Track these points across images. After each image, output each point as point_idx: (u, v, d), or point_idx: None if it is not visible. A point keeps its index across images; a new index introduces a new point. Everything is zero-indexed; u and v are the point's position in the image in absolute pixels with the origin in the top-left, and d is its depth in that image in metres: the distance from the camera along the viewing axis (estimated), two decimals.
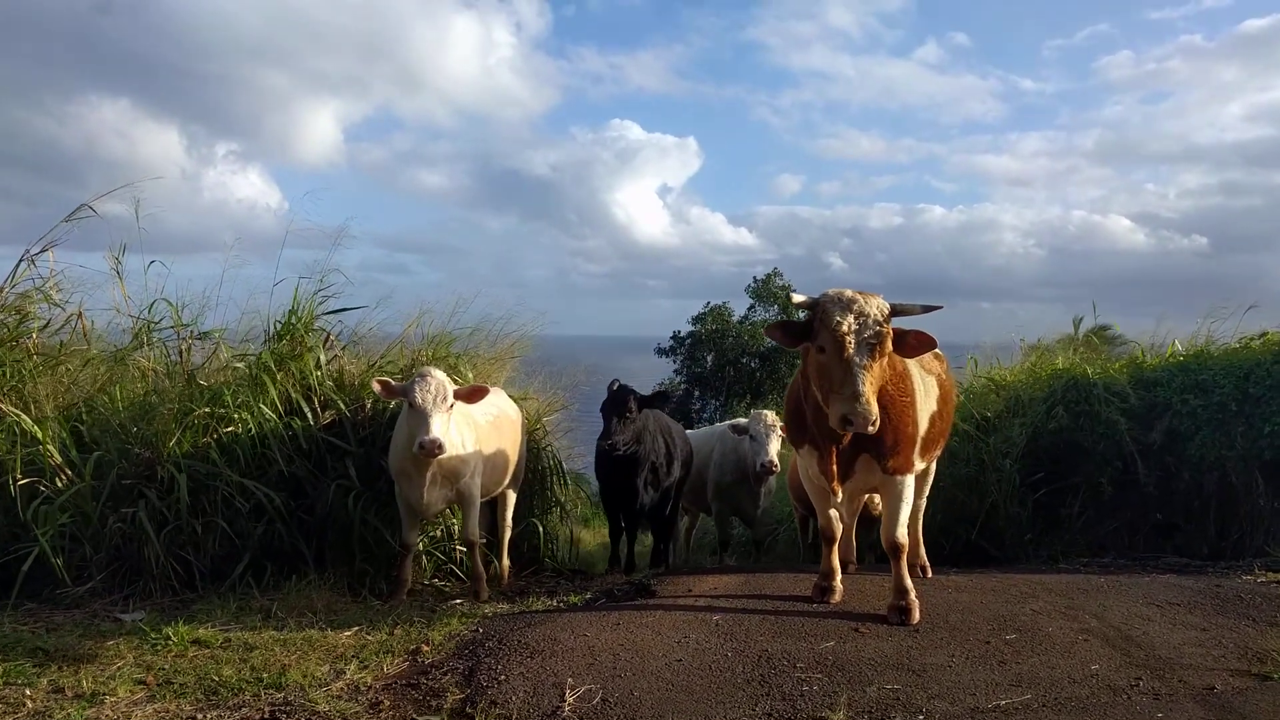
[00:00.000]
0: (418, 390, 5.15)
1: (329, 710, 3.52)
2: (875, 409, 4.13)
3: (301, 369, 6.12)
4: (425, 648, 4.31)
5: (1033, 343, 9.95)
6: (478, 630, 4.57)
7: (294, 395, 6.04)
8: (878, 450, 4.74)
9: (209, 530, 5.61)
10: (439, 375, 5.23)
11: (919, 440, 5.09)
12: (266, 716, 3.45)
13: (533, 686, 3.77)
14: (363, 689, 3.76)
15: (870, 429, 4.12)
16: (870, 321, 4.21)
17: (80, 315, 6.74)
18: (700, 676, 3.96)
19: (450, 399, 5.17)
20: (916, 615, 4.89)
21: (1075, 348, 10.03)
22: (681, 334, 36.08)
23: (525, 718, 3.52)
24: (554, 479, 7.63)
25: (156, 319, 6.72)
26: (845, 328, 4.17)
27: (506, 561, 6.75)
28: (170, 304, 6.71)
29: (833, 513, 5.22)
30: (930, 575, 6.18)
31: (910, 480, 4.92)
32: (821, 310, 4.29)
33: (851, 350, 4.16)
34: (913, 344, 4.47)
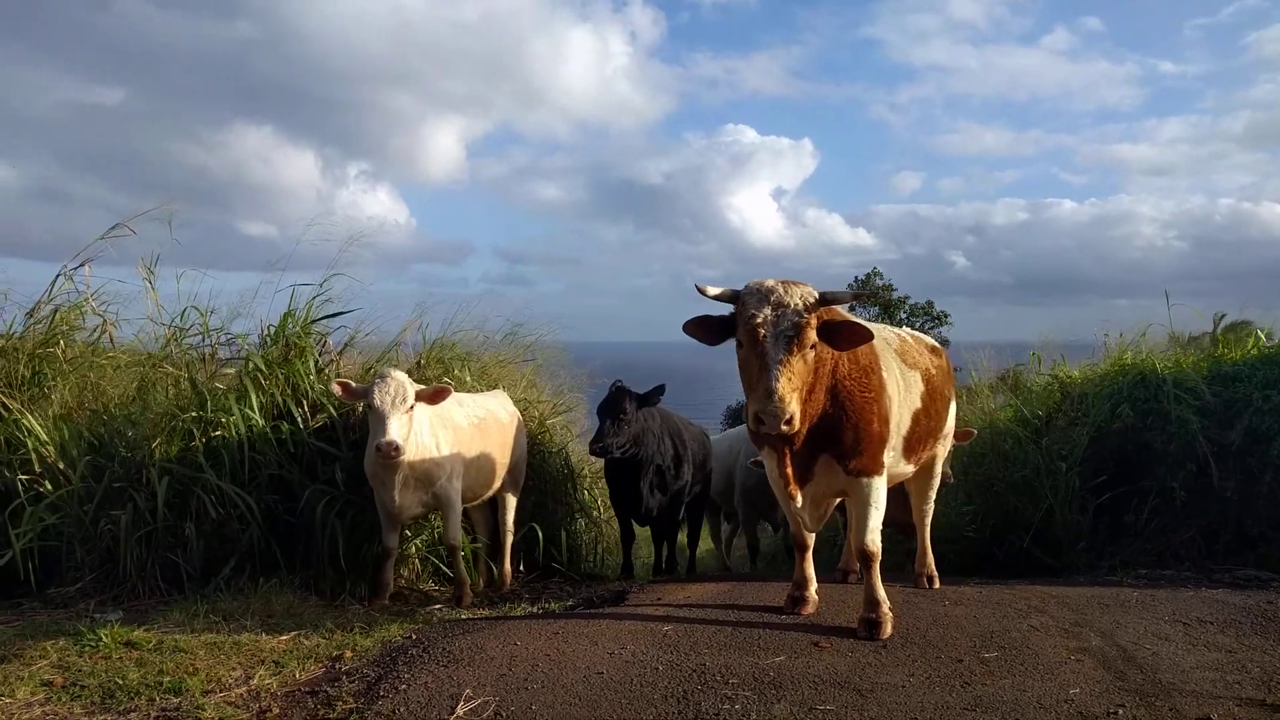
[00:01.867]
0: (376, 392, 5.08)
1: (215, 717, 3.45)
2: (792, 407, 3.78)
3: (291, 373, 6.16)
4: (348, 654, 4.20)
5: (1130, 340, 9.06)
6: (410, 637, 4.44)
7: (283, 399, 6.07)
8: (837, 450, 4.39)
9: (199, 533, 5.69)
10: (399, 376, 5.15)
11: (891, 439, 4.70)
12: None
13: (429, 696, 3.60)
14: (262, 696, 3.67)
15: (785, 428, 3.79)
16: (789, 312, 3.87)
17: (106, 324, 7.01)
18: (614, 691, 3.71)
19: (410, 400, 5.07)
20: (888, 629, 4.50)
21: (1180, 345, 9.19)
22: None
23: None
24: (568, 483, 7.48)
25: (187, 325, 6.89)
26: (759, 319, 3.86)
27: (507, 566, 6.63)
28: (200, 311, 6.87)
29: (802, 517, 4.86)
30: (937, 586, 5.72)
31: (879, 483, 4.53)
32: (740, 302, 3.99)
33: (767, 344, 3.83)
34: (845, 336, 4.10)
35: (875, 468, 4.49)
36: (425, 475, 5.44)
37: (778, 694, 3.75)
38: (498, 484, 6.28)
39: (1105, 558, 7.70)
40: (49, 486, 5.55)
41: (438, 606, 5.64)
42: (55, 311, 6.74)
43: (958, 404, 10.80)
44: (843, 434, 4.34)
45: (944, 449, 5.83)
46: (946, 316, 34.86)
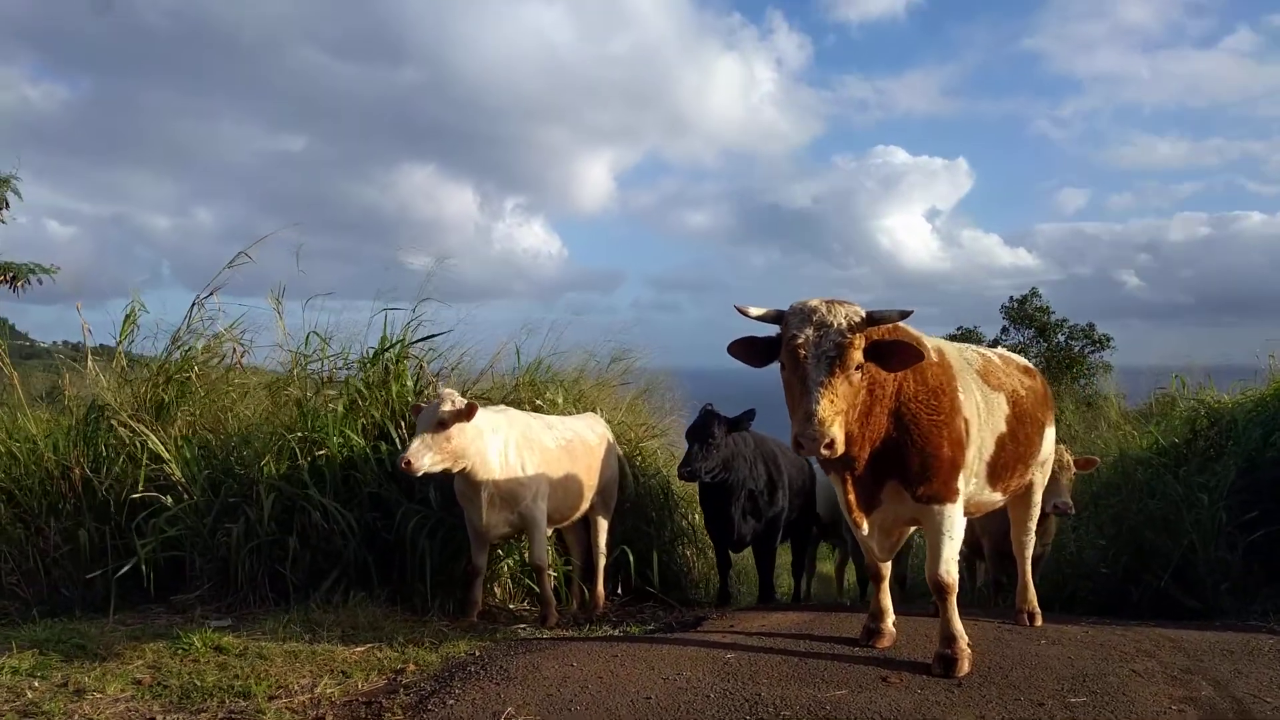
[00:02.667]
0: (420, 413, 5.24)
1: None
2: (833, 430, 3.62)
3: (390, 395, 6.43)
4: (411, 667, 4.31)
5: None
6: (474, 654, 4.52)
7: (382, 419, 6.34)
8: (904, 476, 4.19)
9: (304, 547, 6.01)
10: (444, 397, 5.24)
11: (971, 465, 4.45)
12: None
13: (474, 711, 3.65)
14: (322, 703, 3.82)
15: (826, 452, 3.63)
16: (831, 333, 3.72)
17: (238, 350, 7.55)
18: (657, 716, 3.66)
19: (439, 418, 5.14)
20: (965, 667, 4.24)
21: None
22: None
23: None
24: (664, 507, 7.44)
25: (310, 351, 7.33)
26: (801, 340, 3.73)
27: (600, 589, 6.64)
28: (320, 336, 7.30)
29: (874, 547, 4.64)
30: (1039, 623, 5.35)
31: (952, 510, 4.27)
32: (783, 323, 3.87)
33: (808, 365, 3.70)
34: (897, 356, 3.89)
35: (948, 494, 4.25)
36: (511, 495, 5.53)
37: None
38: (585, 506, 6.32)
39: (1258, 601, 6.97)
40: (169, 501, 5.99)
41: (523, 626, 5.71)
42: (192, 339, 7.32)
43: (1094, 430, 10.11)
44: (909, 459, 4.14)
45: (1042, 476, 5.47)
46: (1110, 340, 32.72)
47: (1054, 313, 34.89)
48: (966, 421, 4.38)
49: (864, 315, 3.82)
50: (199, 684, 3.96)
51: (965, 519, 5.44)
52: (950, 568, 4.31)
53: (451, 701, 3.78)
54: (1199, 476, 7.68)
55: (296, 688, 4.00)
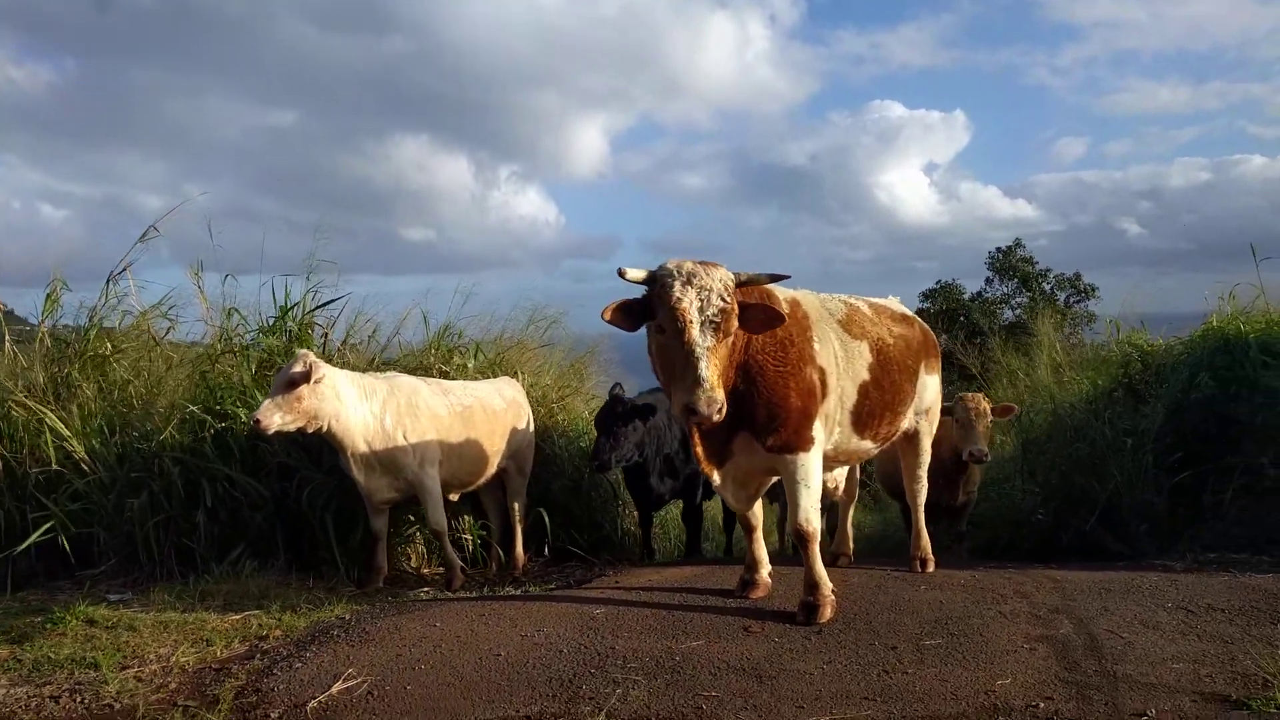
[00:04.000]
0: None
1: (116, 690, 3.61)
2: (721, 395, 3.64)
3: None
4: (277, 633, 4.32)
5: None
6: (345, 618, 4.52)
7: None
8: (752, 427, 4.17)
9: (212, 519, 6.01)
10: (296, 359, 5.22)
11: (833, 413, 4.45)
12: (59, 693, 3.60)
13: (316, 675, 3.66)
14: (173, 671, 3.82)
15: (717, 418, 3.65)
16: (714, 297, 3.70)
17: (159, 328, 7.51)
18: (500, 673, 3.67)
19: (288, 378, 5.12)
20: (828, 613, 4.26)
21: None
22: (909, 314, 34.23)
23: (276, 703, 3.43)
24: (587, 469, 7.43)
25: (233, 325, 7.29)
26: (686, 304, 3.70)
27: (519, 550, 6.65)
28: (239, 312, 7.24)
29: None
30: (931, 570, 5.35)
31: (806, 459, 4.25)
32: (660, 285, 3.80)
33: (693, 330, 3.67)
34: (759, 320, 3.90)
35: (800, 444, 4.23)
36: (390, 461, 5.52)
37: (671, 679, 3.62)
38: (492, 470, 6.31)
39: (1183, 542, 6.98)
40: (73, 478, 5.99)
41: (425, 590, 5.73)
42: (110, 314, 7.29)
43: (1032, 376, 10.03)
44: (756, 410, 4.13)
45: (929, 424, 5.46)
46: (1095, 289, 32.56)
47: (1038, 263, 34.73)
48: (823, 370, 4.37)
49: (735, 277, 3.82)
50: (52, 657, 3.96)
51: (845, 467, 5.43)
52: (810, 516, 4.30)
53: (299, 665, 3.79)
54: (1127, 421, 7.67)
55: (152, 657, 4.00)
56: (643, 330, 4.05)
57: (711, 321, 3.71)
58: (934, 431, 5.58)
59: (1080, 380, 9.12)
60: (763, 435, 4.17)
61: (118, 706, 3.50)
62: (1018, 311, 31.99)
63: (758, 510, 4.81)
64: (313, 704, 3.41)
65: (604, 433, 6.15)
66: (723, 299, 3.73)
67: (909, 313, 5.41)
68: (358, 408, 5.47)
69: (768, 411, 4.12)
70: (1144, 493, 7.26)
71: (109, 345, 7.07)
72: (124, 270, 7.48)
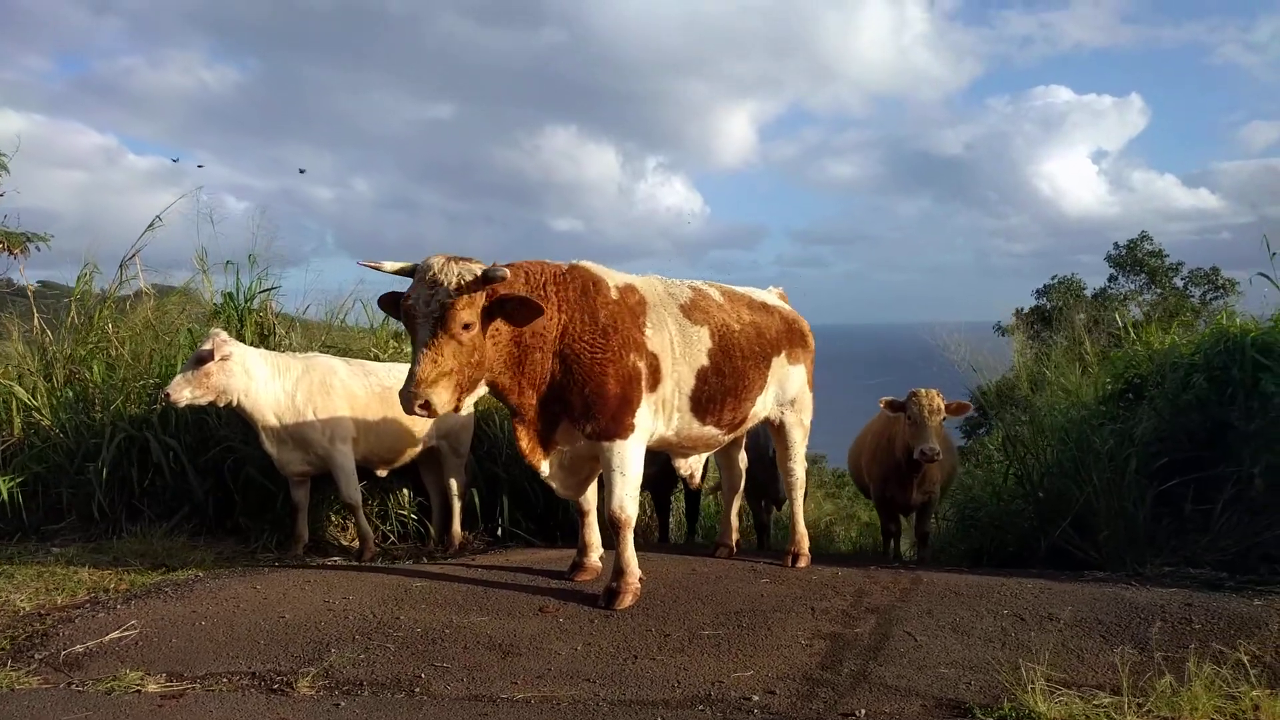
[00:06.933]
0: None
1: None
2: (433, 392, 3.74)
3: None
4: (122, 586, 4.66)
5: None
6: (190, 577, 4.81)
7: None
8: (571, 414, 4.23)
9: (163, 485, 6.48)
10: (208, 338, 5.51)
11: (663, 400, 4.47)
12: None
13: (102, 624, 3.95)
14: (6, 614, 4.20)
15: (421, 412, 3.77)
16: (439, 293, 3.77)
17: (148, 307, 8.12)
18: (268, 633, 3.89)
19: (197, 356, 5.42)
20: (626, 600, 4.30)
21: None
22: (1024, 310, 32.38)
23: (49, 646, 3.72)
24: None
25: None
26: (410, 300, 3.83)
27: (455, 527, 6.82)
28: (229, 295, 7.76)
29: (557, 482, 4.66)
30: (803, 565, 5.18)
31: (623, 447, 4.26)
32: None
33: (416, 326, 3.81)
34: (520, 314, 3.92)
35: (618, 431, 4.24)
36: (300, 437, 5.79)
37: (418, 649, 3.76)
38: (416, 449, 6.49)
39: (1165, 554, 6.48)
40: (37, 442, 6.59)
41: (335, 558, 5.98)
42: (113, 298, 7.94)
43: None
44: (572, 398, 4.17)
45: (795, 416, 5.31)
46: (1235, 285, 30.12)
47: (1168, 257, 32.38)
48: (654, 356, 4.36)
49: (477, 274, 3.82)
50: None
51: (700, 455, 5.31)
52: (625, 504, 4.32)
53: (100, 614, 4.11)
54: (1120, 424, 7.17)
55: (2, 601, 4.38)
56: None
57: (432, 318, 3.77)
58: (807, 424, 5.39)
59: (1095, 381, 8.56)
60: (581, 422, 4.21)
61: None
62: (1145, 308, 29.88)
63: (590, 495, 4.82)
64: (79, 648, 3.70)
65: None
66: (448, 296, 3.75)
67: (774, 302, 5.29)
68: (269, 384, 5.77)
69: (585, 399, 4.15)
70: (1121, 500, 6.76)
71: (110, 326, 7.70)
72: (133, 256, 8.12)
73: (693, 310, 4.66)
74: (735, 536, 5.64)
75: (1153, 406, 7.20)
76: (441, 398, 3.75)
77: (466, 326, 3.78)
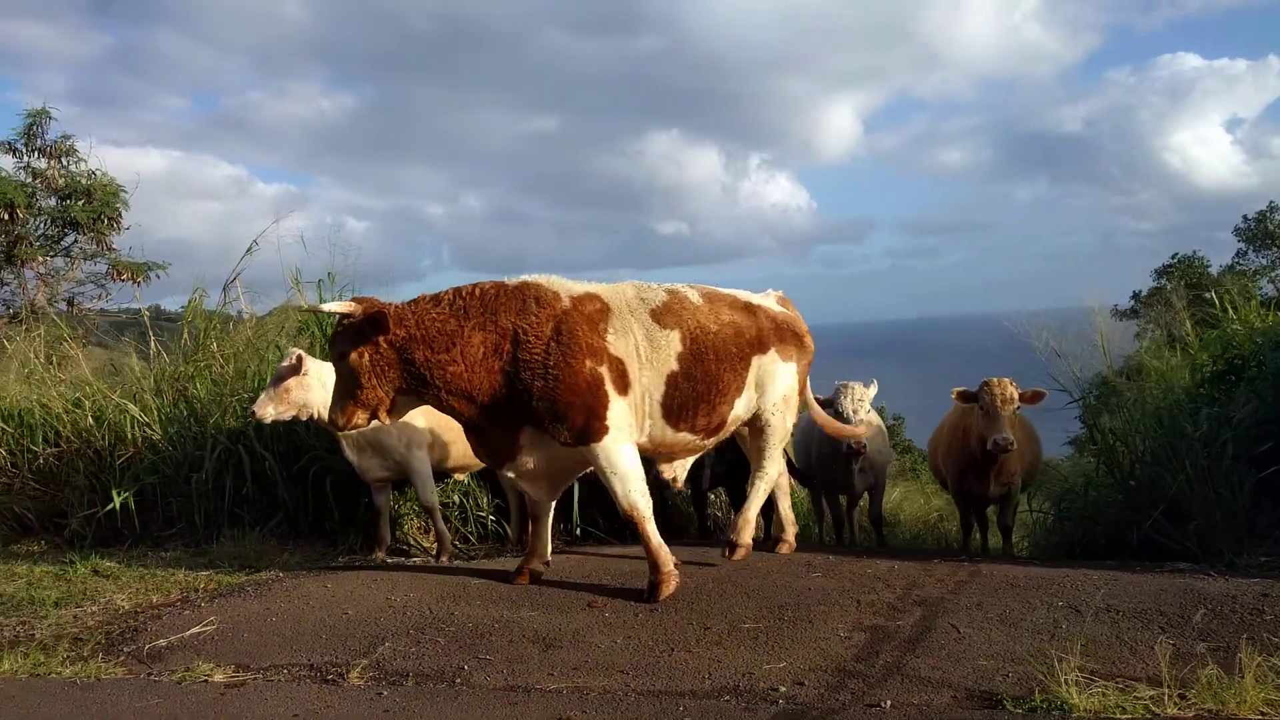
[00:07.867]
0: None
1: (49, 624, 4.41)
2: (343, 414, 4.43)
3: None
4: (210, 586, 5.01)
5: None
6: (271, 577, 5.12)
7: None
8: (538, 422, 4.38)
9: (261, 493, 6.93)
10: (289, 355, 5.85)
11: (633, 405, 4.49)
12: (6, 623, 4.45)
13: (187, 620, 4.27)
14: (107, 611, 4.59)
15: (333, 428, 4.53)
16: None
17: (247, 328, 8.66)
18: (330, 628, 4.14)
19: (277, 373, 5.75)
20: (666, 590, 4.44)
21: None
22: (1143, 292, 30.58)
23: (138, 640, 4.06)
24: None
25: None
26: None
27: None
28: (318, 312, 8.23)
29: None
30: (739, 556, 5.04)
31: (608, 446, 4.36)
32: None
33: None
34: (350, 340, 4.36)
35: (591, 434, 4.34)
36: (378, 444, 6.08)
37: (467, 642, 3.94)
38: None
39: (1266, 544, 6.18)
40: (150, 455, 7.12)
41: (415, 559, 6.27)
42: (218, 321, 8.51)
43: None
44: (533, 406, 4.30)
45: (781, 418, 5.09)
46: None
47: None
48: (619, 362, 4.41)
49: (339, 313, 4.40)
50: (24, 596, 4.85)
51: (684, 460, 5.23)
52: (632, 500, 4.43)
53: (186, 611, 4.45)
54: (1211, 407, 6.84)
55: (103, 600, 4.81)
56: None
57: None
58: (789, 426, 5.26)
59: (1193, 363, 8.15)
60: (552, 428, 4.34)
61: (38, 634, 4.26)
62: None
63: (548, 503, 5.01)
64: (162, 642, 4.02)
65: None
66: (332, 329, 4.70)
67: (757, 303, 5.12)
68: None
69: (548, 406, 4.27)
70: (1217, 487, 6.44)
71: (215, 344, 8.26)
72: (235, 279, 8.69)
73: (664, 314, 4.64)
74: (793, 529, 5.64)
75: (1253, 389, 6.85)
76: (345, 420, 4.46)
77: (341, 357, 4.36)
